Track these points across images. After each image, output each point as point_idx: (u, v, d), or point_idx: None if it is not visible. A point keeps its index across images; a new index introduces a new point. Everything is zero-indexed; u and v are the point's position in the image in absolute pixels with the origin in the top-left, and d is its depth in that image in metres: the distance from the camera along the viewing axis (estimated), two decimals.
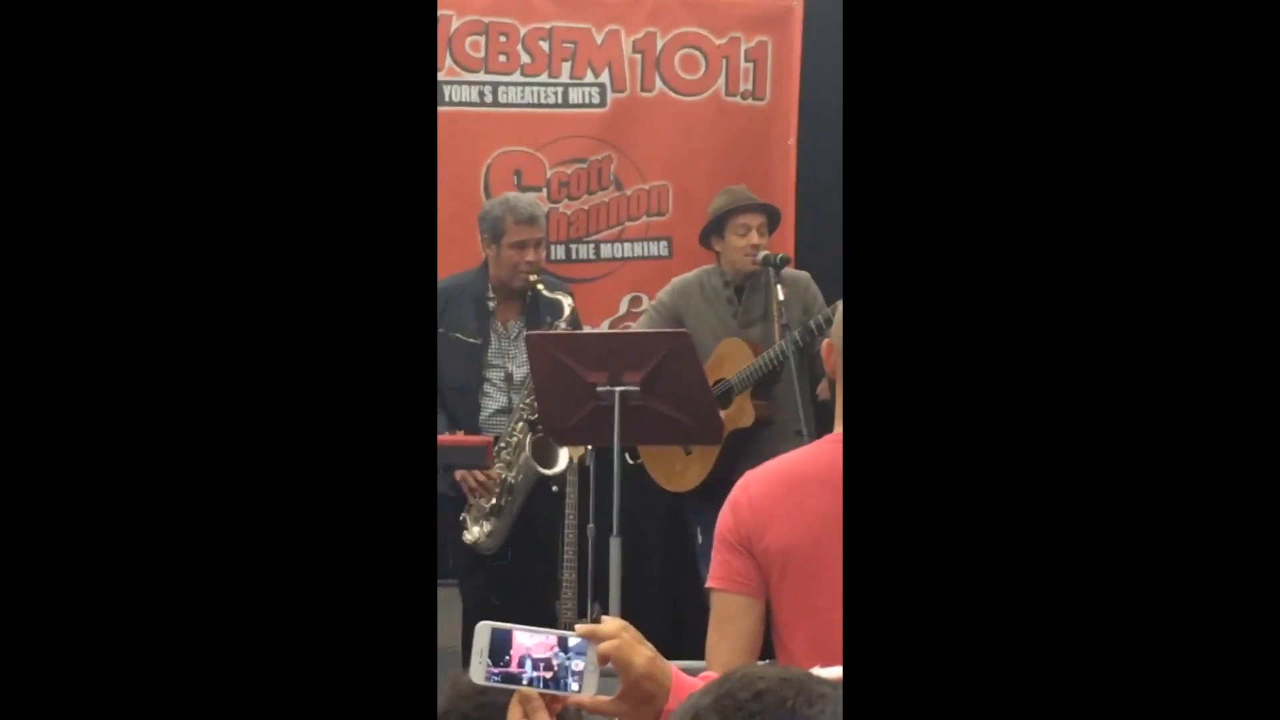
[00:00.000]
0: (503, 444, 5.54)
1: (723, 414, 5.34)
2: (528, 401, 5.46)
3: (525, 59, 6.50)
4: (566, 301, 5.52)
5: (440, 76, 6.38)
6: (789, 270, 5.60)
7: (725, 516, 3.06)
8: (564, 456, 5.54)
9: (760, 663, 1.70)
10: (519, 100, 6.53)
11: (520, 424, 5.53)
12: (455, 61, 6.43)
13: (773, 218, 5.78)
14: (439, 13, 6.37)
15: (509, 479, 5.52)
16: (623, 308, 6.38)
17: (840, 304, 3.10)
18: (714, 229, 5.72)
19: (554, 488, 5.61)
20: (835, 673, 1.65)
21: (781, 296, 5.41)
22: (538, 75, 6.52)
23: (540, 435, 5.45)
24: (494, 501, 5.52)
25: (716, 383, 5.44)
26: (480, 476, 5.49)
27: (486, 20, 6.49)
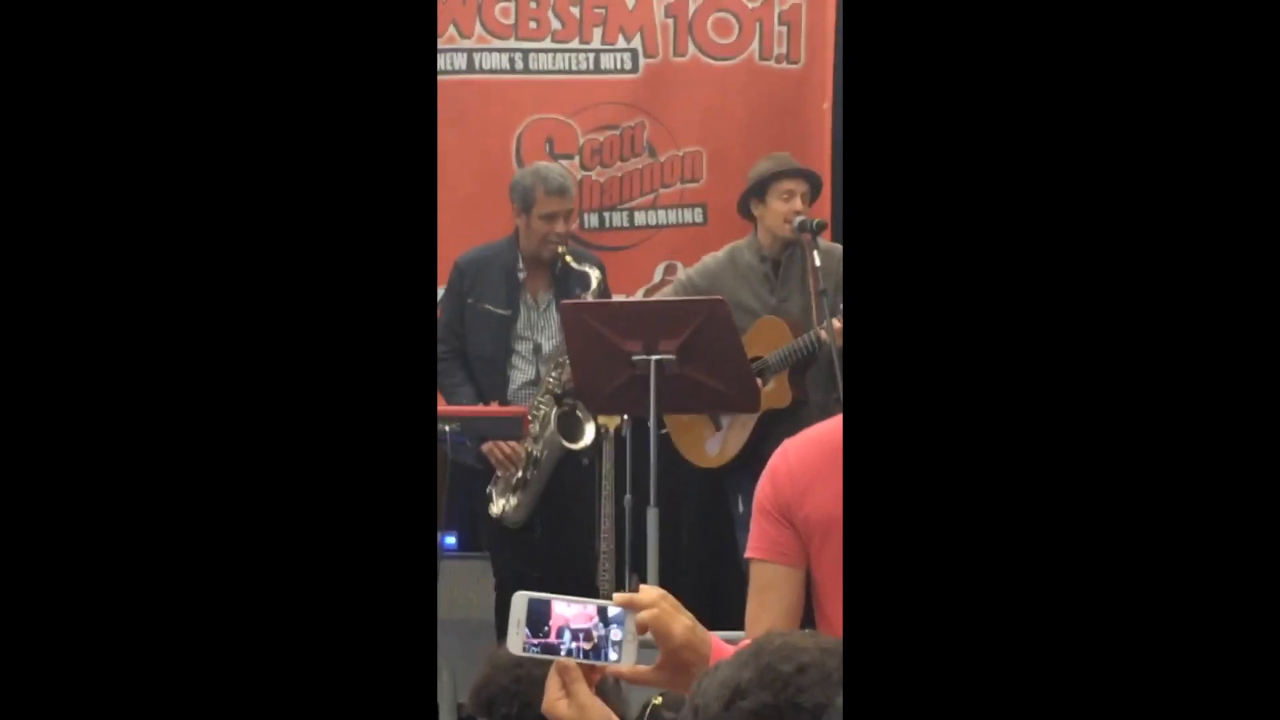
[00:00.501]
0: (529, 417, 5.54)
1: (764, 391, 5.32)
2: (554, 375, 5.46)
3: (556, 25, 6.49)
4: (594, 274, 5.51)
5: (470, 44, 6.39)
6: (825, 242, 5.57)
7: (764, 486, 3.05)
8: (590, 431, 5.53)
9: (796, 631, 1.68)
10: (550, 67, 6.52)
11: (546, 396, 5.53)
12: (485, 28, 6.42)
13: (815, 186, 5.74)
14: None
15: (534, 453, 5.53)
16: (657, 275, 6.36)
17: None
18: (755, 193, 5.66)
19: (585, 461, 5.62)
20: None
21: (819, 263, 5.38)
22: (569, 41, 6.51)
23: (566, 409, 5.45)
24: (520, 475, 5.54)
25: (753, 360, 5.40)
26: (506, 448, 5.51)
27: None
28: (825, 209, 5.93)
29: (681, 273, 5.98)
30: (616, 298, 5.68)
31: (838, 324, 5.03)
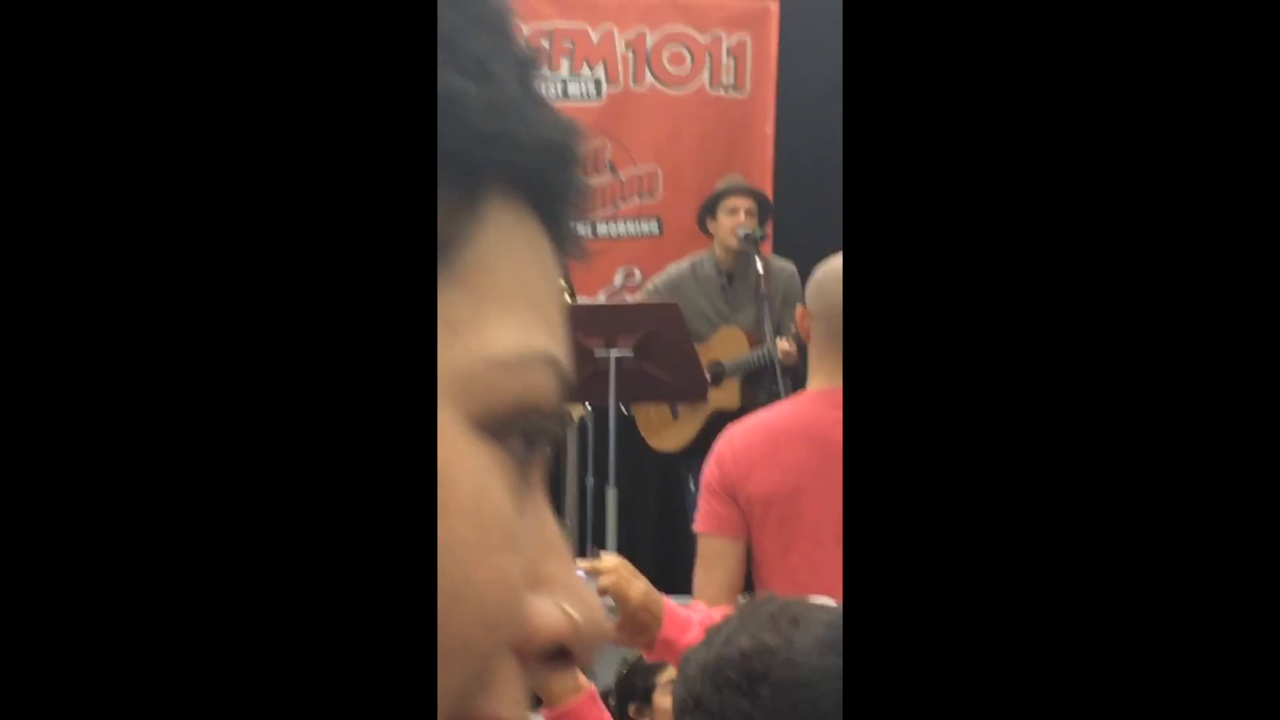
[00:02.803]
0: None
1: (713, 392, 5.38)
2: None
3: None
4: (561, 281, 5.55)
5: None
6: (775, 259, 5.63)
7: (710, 468, 3.10)
8: None
9: (745, 606, 1.71)
10: None
11: None
12: None
13: (761, 203, 5.80)
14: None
15: None
16: (618, 280, 6.41)
17: (830, 265, 3.14)
18: (708, 210, 5.77)
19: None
20: (819, 600, 1.67)
21: (762, 271, 5.44)
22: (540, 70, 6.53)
23: None
24: None
25: (712, 364, 5.47)
26: None
27: None
28: (768, 223, 5.98)
29: (650, 282, 6.02)
30: (581, 300, 5.70)
31: (784, 344, 5.11)
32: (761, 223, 5.73)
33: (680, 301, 5.28)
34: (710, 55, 6.65)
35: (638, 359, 4.69)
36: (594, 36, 6.56)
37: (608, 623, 0.48)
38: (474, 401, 0.43)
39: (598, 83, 6.60)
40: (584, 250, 0.49)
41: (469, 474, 0.43)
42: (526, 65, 0.47)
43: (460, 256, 0.43)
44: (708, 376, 5.19)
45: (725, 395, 5.57)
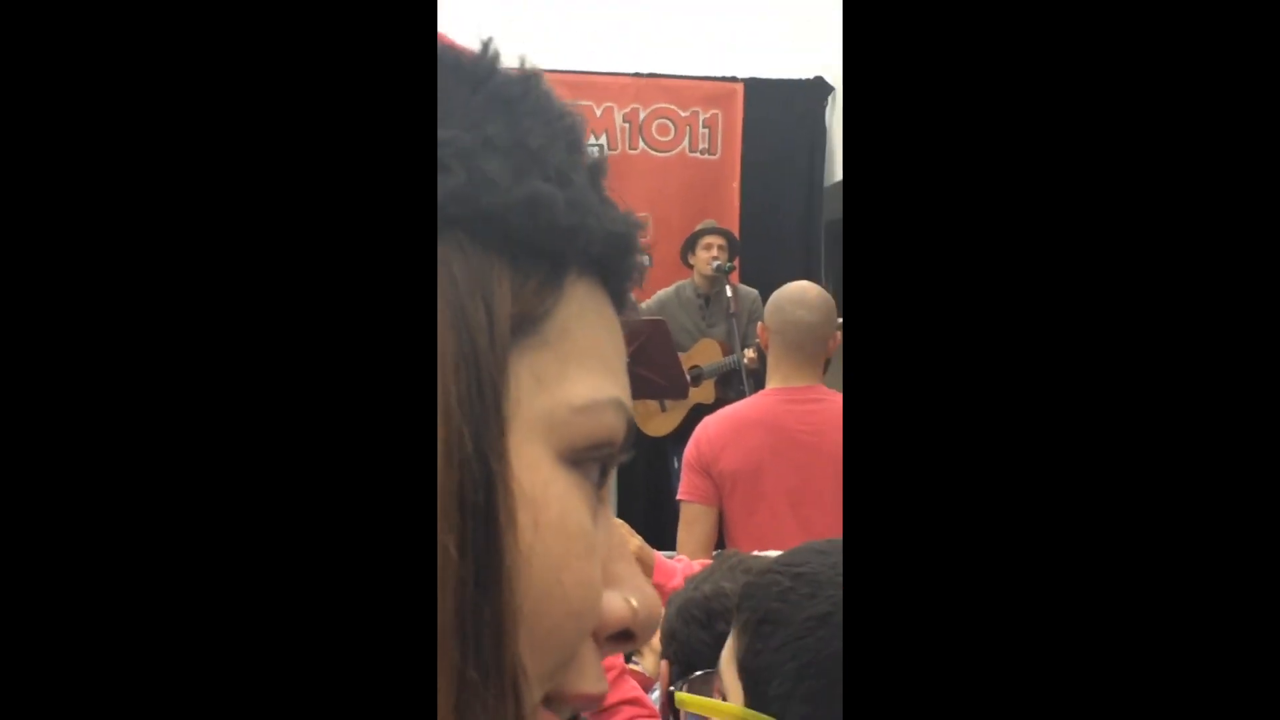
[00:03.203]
0: None
1: (693, 390, 5.39)
2: None
3: None
4: None
5: None
6: (741, 286, 5.63)
7: (690, 448, 3.10)
8: None
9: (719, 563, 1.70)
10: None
11: None
12: None
13: (732, 243, 5.80)
14: None
15: None
16: None
17: (786, 290, 3.14)
18: (688, 247, 5.78)
19: None
20: (770, 554, 1.67)
21: (731, 295, 5.44)
22: None
23: None
24: None
25: (692, 368, 5.47)
26: None
27: None
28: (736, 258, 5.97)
29: (643, 303, 5.99)
30: None
31: (749, 353, 5.11)
32: (731, 257, 5.72)
33: (666, 319, 5.27)
34: (690, 126, 6.63)
35: (633, 364, 4.67)
36: (598, 111, 6.54)
37: (659, 609, 0.47)
38: (559, 439, 0.43)
39: (600, 148, 6.57)
40: (636, 310, 0.50)
41: (556, 498, 0.43)
42: (596, 170, 0.47)
43: (548, 325, 0.43)
44: (689, 378, 5.20)
45: (703, 392, 5.56)
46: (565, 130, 0.45)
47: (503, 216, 0.42)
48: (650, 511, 6.10)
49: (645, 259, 0.50)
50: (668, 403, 5.63)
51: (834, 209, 6.84)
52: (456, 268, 0.41)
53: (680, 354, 5.20)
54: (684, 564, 2.31)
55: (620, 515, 4.07)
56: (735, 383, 5.32)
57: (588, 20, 6.54)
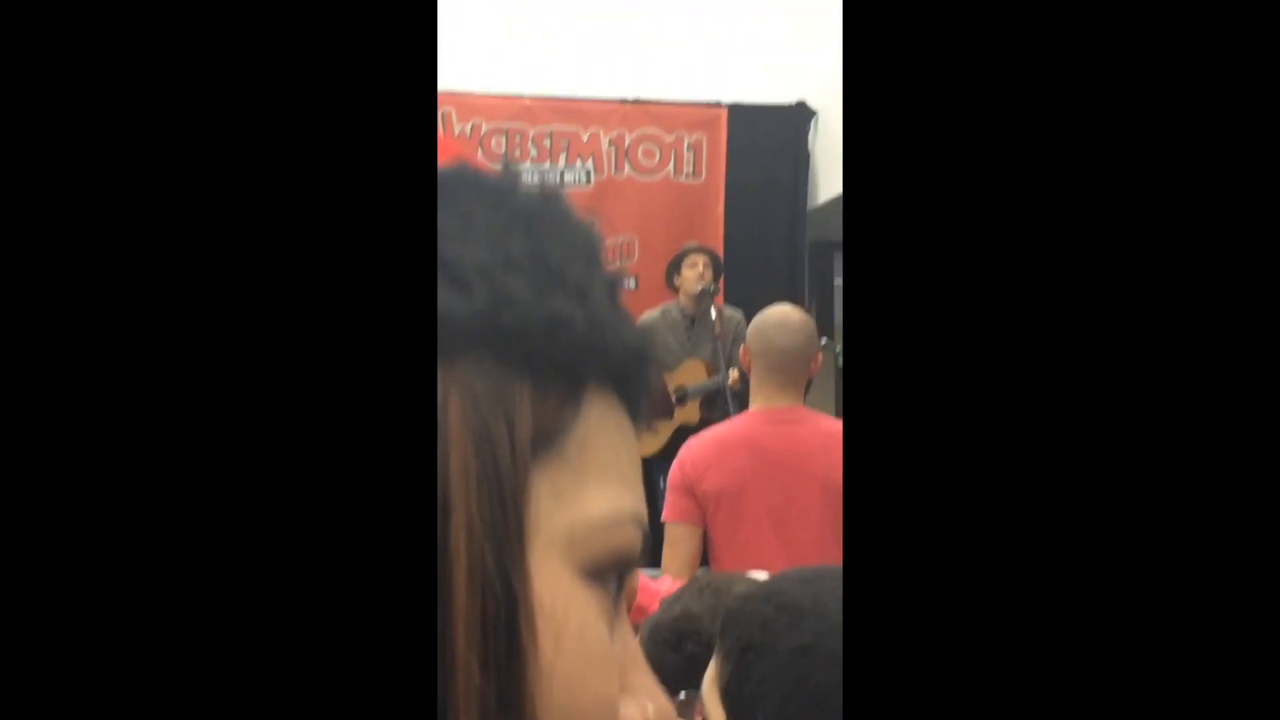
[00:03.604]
0: None
1: (678, 411, 5.39)
2: None
3: (534, 152, 6.53)
4: None
5: (486, 164, 6.43)
6: (726, 308, 5.63)
7: (674, 469, 3.10)
8: None
9: (696, 586, 1.69)
10: (530, 182, 6.54)
11: None
12: (484, 154, 6.44)
13: (715, 262, 5.81)
14: (473, 122, 6.40)
15: None
16: None
17: (768, 314, 3.15)
18: (674, 268, 5.78)
19: None
20: (753, 574, 1.67)
21: (715, 317, 5.45)
22: (543, 163, 6.54)
23: None
24: None
25: (677, 389, 5.47)
26: None
27: (505, 125, 6.51)
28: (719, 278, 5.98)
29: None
30: None
31: (733, 374, 5.11)
32: (715, 278, 5.74)
33: (653, 341, 5.28)
34: (675, 151, 6.66)
35: None
36: (584, 136, 6.57)
37: (673, 714, 0.47)
38: (579, 555, 0.43)
39: (588, 172, 6.60)
40: (651, 422, 0.49)
41: (576, 614, 0.42)
42: (614, 285, 0.46)
43: (566, 440, 0.43)
44: (674, 399, 5.20)
45: (688, 413, 5.56)
46: (584, 245, 0.45)
47: (524, 335, 0.41)
48: None
49: (659, 371, 0.50)
50: (654, 423, 5.63)
51: (817, 231, 6.86)
52: (479, 386, 0.41)
53: (666, 374, 5.20)
54: (665, 585, 2.32)
55: None
56: (720, 403, 5.32)
57: (574, 47, 6.56)
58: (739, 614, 0.98)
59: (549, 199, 0.46)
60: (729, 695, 0.96)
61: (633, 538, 0.44)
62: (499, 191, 0.45)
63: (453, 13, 6.33)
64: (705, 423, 5.38)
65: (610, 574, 0.44)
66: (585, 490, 0.43)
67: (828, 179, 6.65)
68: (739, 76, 6.69)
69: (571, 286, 0.43)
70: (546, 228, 0.44)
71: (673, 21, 6.67)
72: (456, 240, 0.42)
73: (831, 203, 6.60)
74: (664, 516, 3.09)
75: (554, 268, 0.43)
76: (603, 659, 0.43)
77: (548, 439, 0.42)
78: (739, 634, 0.96)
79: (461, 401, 0.40)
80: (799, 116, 6.76)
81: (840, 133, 6.44)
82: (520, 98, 6.50)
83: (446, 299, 0.41)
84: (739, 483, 2.99)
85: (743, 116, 6.67)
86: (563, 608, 0.42)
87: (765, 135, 6.70)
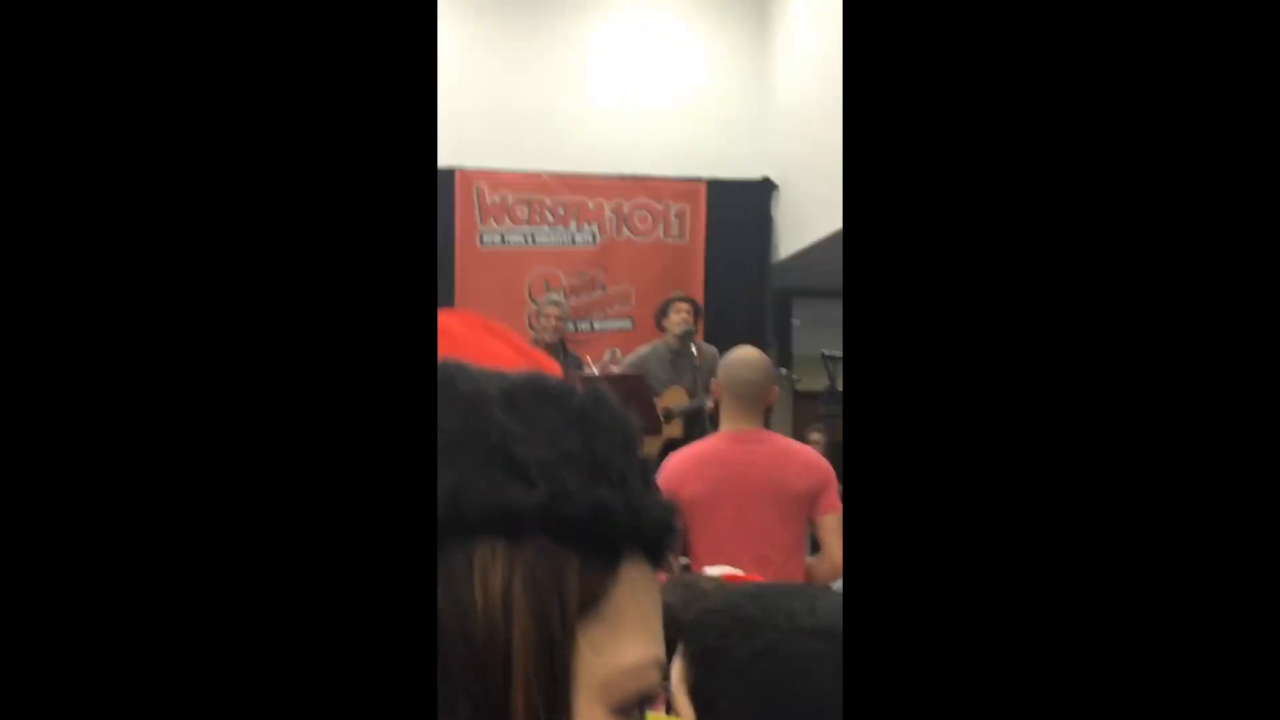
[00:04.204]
0: None
1: (665, 427, 5.38)
2: None
3: (550, 218, 6.54)
4: (586, 358, 5.58)
5: (502, 228, 6.44)
6: (704, 344, 5.62)
7: (659, 480, 3.07)
8: None
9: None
10: (547, 241, 6.56)
11: None
12: (511, 220, 6.46)
13: (696, 308, 5.80)
14: (501, 194, 6.41)
15: None
16: (607, 357, 6.39)
17: (734, 354, 3.15)
18: (662, 314, 5.77)
19: None
20: (719, 570, 1.64)
21: (696, 352, 5.44)
22: (557, 227, 6.55)
23: None
24: None
25: (664, 409, 5.46)
26: None
27: (527, 197, 6.52)
28: (700, 324, 5.98)
29: (626, 357, 5.99)
30: (588, 369, 5.69)
31: (710, 400, 5.10)
32: (695, 320, 5.73)
33: (645, 372, 5.28)
34: (664, 217, 6.66)
35: None
36: (590, 205, 6.57)
37: None
38: (610, 696, 0.42)
39: (594, 234, 6.60)
40: (670, 568, 0.48)
41: None
42: (648, 469, 0.46)
43: (605, 603, 0.42)
44: (661, 418, 5.19)
45: (673, 429, 5.55)
46: (624, 438, 0.45)
47: (575, 522, 0.41)
48: None
49: (678, 534, 0.50)
50: (645, 439, 5.61)
51: (777, 282, 6.86)
52: (538, 567, 0.40)
53: (655, 398, 5.19)
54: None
55: None
56: (700, 421, 5.31)
57: (583, 134, 6.59)
58: (701, 625, 0.95)
59: (597, 401, 0.45)
60: (696, 692, 0.94)
61: (654, 679, 0.44)
62: (559, 395, 0.44)
63: (487, 105, 6.36)
64: (688, 436, 5.37)
65: (635, 708, 0.44)
66: (618, 644, 0.43)
67: (787, 240, 6.65)
68: (715, 157, 6.71)
69: (615, 475, 0.43)
70: (595, 426, 0.44)
71: (662, 112, 6.71)
72: (525, 442, 0.41)
73: (790, 259, 6.60)
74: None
75: (599, 460, 0.42)
76: None
77: (592, 604, 0.42)
78: (700, 641, 0.94)
79: (524, 579, 0.40)
80: (764, 189, 6.77)
81: (795, 202, 6.47)
82: (539, 174, 6.51)
83: (515, 492, 0.40)
84: (711, 490, 2.98)
85: (718, 190, 6.69)
86: None
87: (736, 205, 6.71)
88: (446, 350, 0.44)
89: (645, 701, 0.44)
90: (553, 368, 0.44)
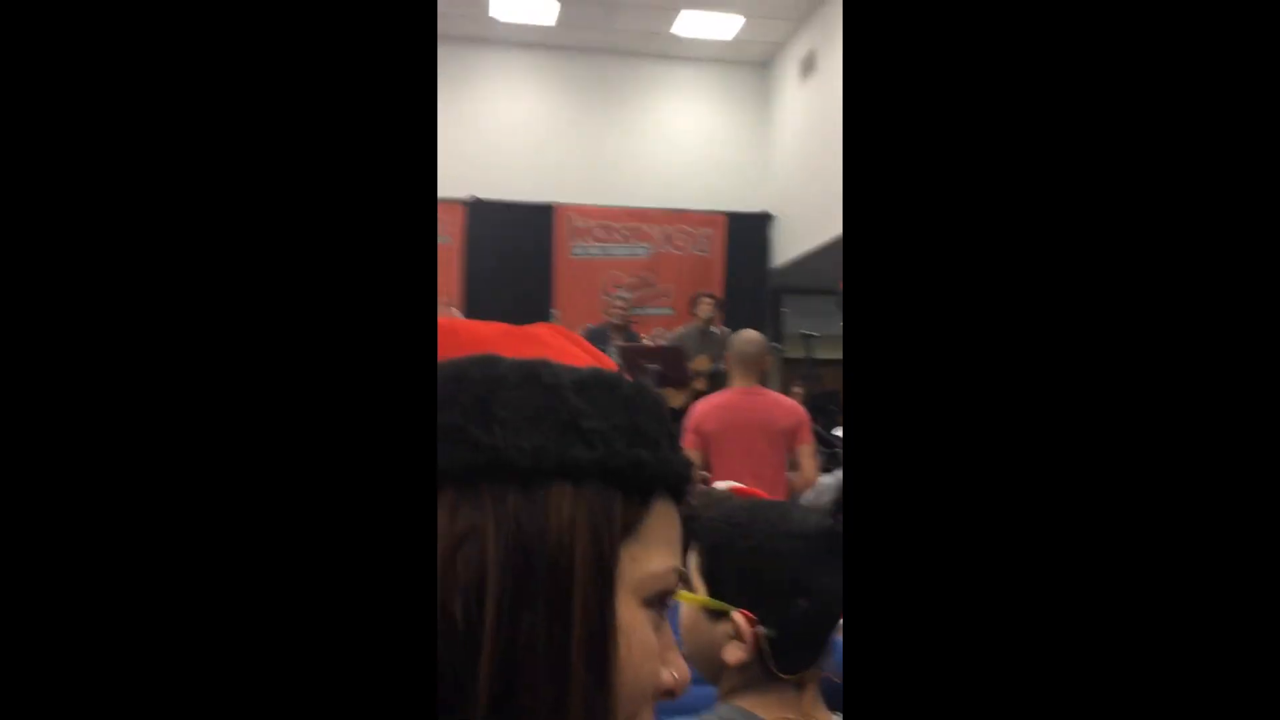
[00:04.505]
0: None
1: (694, 382, 5.38)
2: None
3: (618, 238, 6.51)
4: (641, 334, 5.56)
5: (587, 244, 6.40)
6: (724, 328, 5.58)
7: (689, 417, 3.05)
8: None
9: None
10: (616, 254, 6.55)
11: None
12: (592, 238, 6.50)
13: (719, 302, 5.78)
14: (584, 222, 6.48)
15: None
16: (655, 334, 6.29)
17: (740, 333, 3.17)
18: (694, 303, 5.74)
19: None
20: (728, 484, 1.69)
21: (717, 331, 5.47)
22: (623, 244, 6.56)
23: None
24: None
25: (695, 370, 5.43)
26: None
27: (606, 223, 6.49)
28: (719, 313, 5.99)
29: (669, 334, 5.91)
30: (643, 340, 5.70)
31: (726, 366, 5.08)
32: (719, 310, 5.73)
33: (681, 345, 5.33)
34: (697, 237, 6.66)
35: (662, 368, 4.75)
36: (645, 229, 6.59)
37: (688, 675, 0.42)
38: (641, 592, 0.40)
39: (648, 248, 6.63)
40: (690, 504, 0.44)
41: (639, 628, 0.40)
42: (673, 435, 0.42)
43: (640, 527, 0.40)
44: (692, 376, 5.25)
45: (700, 385, 5.58)
46: (655, 410, 0.42)
47: (620, 472, 0.39)
48: None
49: (694, 465, 0.49)
50: (680, 390, 5.63)
51: (773, 284, 6.90)
52: (593, 502, 0.38)
53: (688, 363, 5.26)
54: None
55: None
56: (719, 380, 5.32)
57: (642, 179, 6.63)
58: (709, 528, 0.90)
59: (639, 388, 0.42)
60: (706, 575, 0.88)
61: (672, 580, 0.41)
62: (613, 384, 0.41)
63: (575, 158, 6.42)
64: (711, 389, 5.42)
65: (658, 601, 0.41)
66: (649, 556, 0.40)
67: (780, 253, 6.70)
68: (732, 196, 6.74)
69: (650, 439, 0.40)
70: (638, 404, 0.41)
71: (695, 163, 6.71)
72: (587, 417, 0.39)
73: (782, 267, 6.64)
74: (682, 444, 3.13)
75: (639, 429, 0.40)
76: (652, 652, 0.40)
77: (630, 528, 0.40)
78: (706, 538, 0.89)
79: (584, 510, 0.38)
80: (764, 219, 6.80)
81: (785, 230, 6.49)
82: (611, 207, 6.57)
83: (580, 451, 0.38)
84: (724, 427, 2.96)
85: (735, 219, 6.72)
86: (630, 625, 0.39)
87: (745, 229, 6.74)
88: (540, 352, 0.41)
89: (666, 596, 0.41)
90: (609, 364, 0.43)
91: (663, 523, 0.41)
